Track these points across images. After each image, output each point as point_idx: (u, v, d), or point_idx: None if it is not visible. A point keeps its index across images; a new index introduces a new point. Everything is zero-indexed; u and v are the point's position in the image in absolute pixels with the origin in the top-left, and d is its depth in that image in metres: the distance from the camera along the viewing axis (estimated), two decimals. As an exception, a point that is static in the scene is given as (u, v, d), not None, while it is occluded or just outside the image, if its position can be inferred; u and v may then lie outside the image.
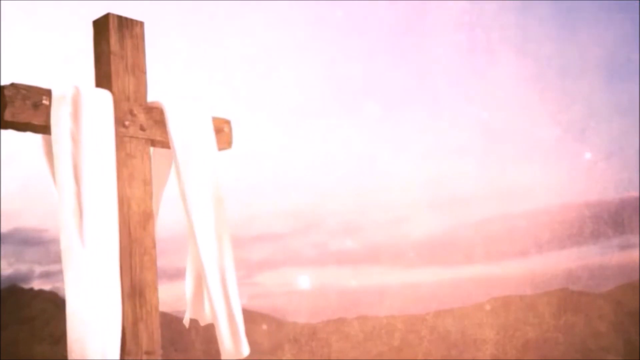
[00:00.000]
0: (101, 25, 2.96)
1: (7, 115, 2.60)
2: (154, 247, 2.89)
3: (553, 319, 16.60)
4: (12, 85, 2.63)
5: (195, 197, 2.98)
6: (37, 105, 2.67)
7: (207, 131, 3.11)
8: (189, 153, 3.01)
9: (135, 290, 2.79)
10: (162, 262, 2.94)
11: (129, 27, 2.99)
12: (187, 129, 3.03)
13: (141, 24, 3.04)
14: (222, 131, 3.22)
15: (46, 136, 2.74)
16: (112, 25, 2.94)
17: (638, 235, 17.10)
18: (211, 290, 2.96)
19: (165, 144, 3.02)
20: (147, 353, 2.79)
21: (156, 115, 2.98)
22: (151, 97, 3.03)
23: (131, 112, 2.90)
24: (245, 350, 3.01)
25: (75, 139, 2.71)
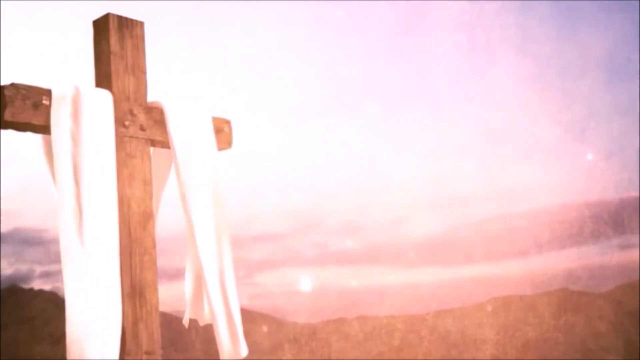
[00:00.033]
0: (101, 25, 2.96)
1: (7, 115, 2.60)
2: (154, 247, 2.89)
3: (553, 319, 16.60)
4: (12, 85, 2.62)
5: (195, 197, 2.98)
6: (37, 105, 2.66)
7: (207, 131, 3.11)
8: (189, 153, 3.00)
9: (135, 290, 2.79)
10: (162, 262, 2.94)
11: (129, 27, 2.99)
12: (187, 129, 3.02)
13: (141, 24, 3.04)
14: (222, 131, 3.22)
15: (46, 136, 2.74)
16: (112, 25, 2.94)
17: (638, 235, 17.10)
18: (210, 291, 2.95)
19: (165, 144, 3.01)
20: (147, 353, 2.79)
21: (156, 115, 2.98)
22: (151, 97, 3.03)
23: (131, 112, 2.90)
24: (244, 351, 3.01)
25: (75, 139, 2.70)
